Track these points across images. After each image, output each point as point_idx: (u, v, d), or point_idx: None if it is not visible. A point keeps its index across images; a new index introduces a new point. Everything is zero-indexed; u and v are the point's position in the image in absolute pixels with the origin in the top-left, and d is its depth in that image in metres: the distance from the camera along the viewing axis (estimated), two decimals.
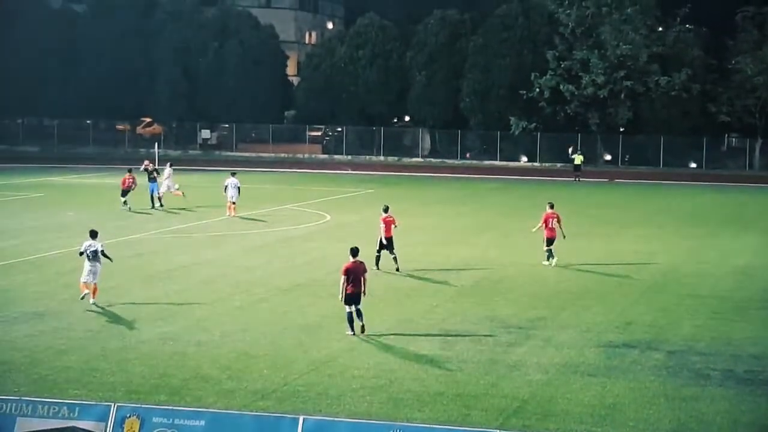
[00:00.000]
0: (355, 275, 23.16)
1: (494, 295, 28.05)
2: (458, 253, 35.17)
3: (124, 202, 46.32)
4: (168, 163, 51.06)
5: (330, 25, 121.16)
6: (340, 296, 23.18)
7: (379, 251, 31.34)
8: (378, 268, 30.75)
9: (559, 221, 33.25)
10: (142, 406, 15.32)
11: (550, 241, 32.88)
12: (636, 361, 21.27)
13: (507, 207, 51.76)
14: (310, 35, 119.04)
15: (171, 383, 19.18)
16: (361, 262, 23.49)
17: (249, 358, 20.97)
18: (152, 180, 47.77)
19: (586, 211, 50.15)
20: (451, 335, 23.25)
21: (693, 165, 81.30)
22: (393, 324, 24.23)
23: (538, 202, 34.13)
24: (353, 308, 23.02)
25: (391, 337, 23.01)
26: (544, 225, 33.05)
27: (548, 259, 32.78)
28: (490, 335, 23.30)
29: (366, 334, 22.94)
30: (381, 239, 31.41)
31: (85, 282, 25.81)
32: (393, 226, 31.57)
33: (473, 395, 18.73)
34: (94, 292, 25.84)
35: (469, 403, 18.27)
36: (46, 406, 14.92)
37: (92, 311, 25.20)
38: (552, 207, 33.47)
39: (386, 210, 31.99)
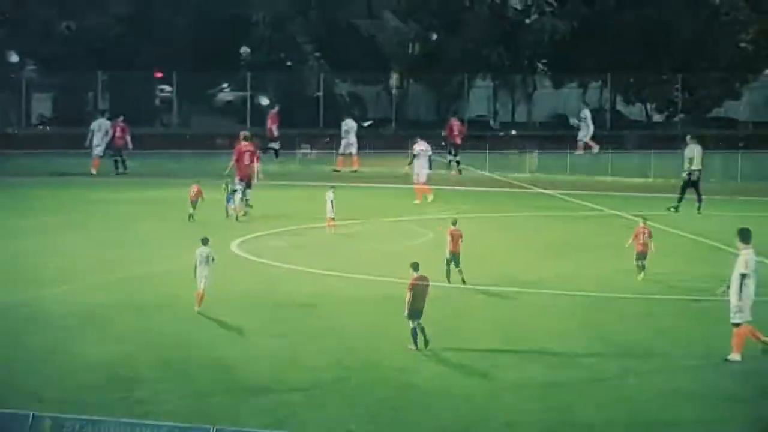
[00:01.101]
0: (421, 290, 22.94)
1: (603, 314, 27.01)
2: (564, 269, 33.98)
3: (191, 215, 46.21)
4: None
5: (434, 36, 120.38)
6: (406, 311, 22.78)
7: (448, 264, 30.67)
8: (449, 282, 29.94)
9: (650, 236, 32.29)
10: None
11: (641, 256, 32.01)
12: None
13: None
14: (412, 46, 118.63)
15: None
16: (424, 276, 23.31)
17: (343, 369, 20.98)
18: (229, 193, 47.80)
19: None
20: (558, 358, 22.27)
21: None
22: (494, 344, 23.37)
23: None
24: (416, 323, 22.67)
25: (492, 358, 22.24)
26: (635, 239, 32.27)
27: (640, 273, 31.92)
28: (600, 357, 22.26)
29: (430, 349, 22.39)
30: (448, 252, 30.73)
31: (203, 289, 26.17)
32: (460, 240, 30.86)
33: (587, 424, 17.86)
34: (200, 300, 26.20)
35: None
36: None
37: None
38: (645, 221, 32.81)
39: (455, 223, 31.51)
